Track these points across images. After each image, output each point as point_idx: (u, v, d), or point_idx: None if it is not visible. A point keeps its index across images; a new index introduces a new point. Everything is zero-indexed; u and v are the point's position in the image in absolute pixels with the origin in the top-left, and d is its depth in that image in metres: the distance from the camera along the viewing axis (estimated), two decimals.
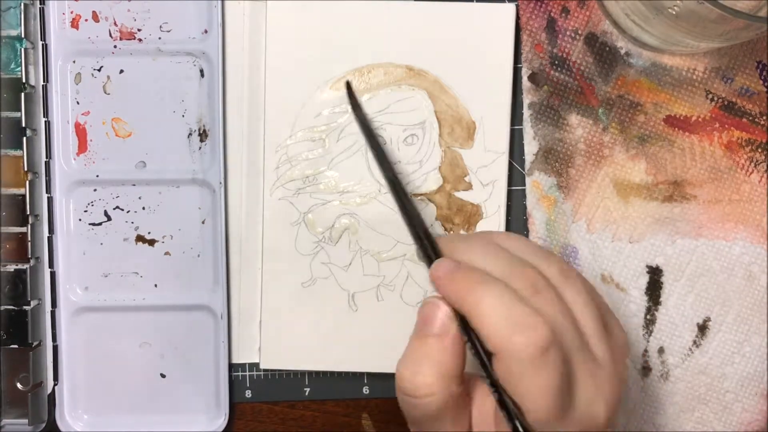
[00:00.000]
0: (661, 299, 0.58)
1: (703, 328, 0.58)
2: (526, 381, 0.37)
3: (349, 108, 0.56)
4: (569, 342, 0.39)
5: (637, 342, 0.58)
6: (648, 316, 0.58)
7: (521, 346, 0.37)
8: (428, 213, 0.57)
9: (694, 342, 0.58)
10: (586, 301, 0.41)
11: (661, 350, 0.58)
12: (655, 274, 0.58)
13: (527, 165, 0.58)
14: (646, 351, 0.58)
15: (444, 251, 0.43)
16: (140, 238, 0.57)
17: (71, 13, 0.56)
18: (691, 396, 0.58)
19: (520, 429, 0.38)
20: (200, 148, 0.56)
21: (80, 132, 0.56)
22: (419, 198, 0.57)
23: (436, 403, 0.40)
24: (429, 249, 0.44)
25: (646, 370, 0.58)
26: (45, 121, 0.56)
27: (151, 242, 0.57)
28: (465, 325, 0.40)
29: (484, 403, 0.42)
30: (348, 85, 0.56)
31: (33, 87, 0.56)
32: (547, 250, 0.44)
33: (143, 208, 0.57)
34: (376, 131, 0.55)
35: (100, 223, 0.57)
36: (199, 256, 0.57)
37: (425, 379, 0.40)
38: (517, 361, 0.37)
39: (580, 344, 0.40)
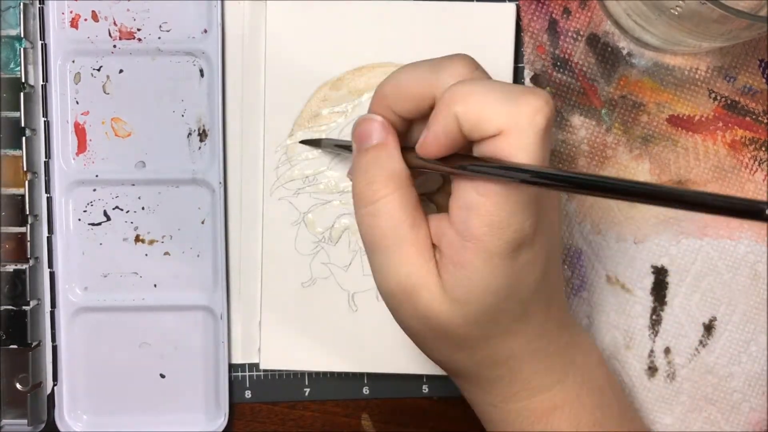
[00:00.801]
0: (666, 299, 0.58)
1: (709, 328, 0.58)
2: (532, 155, 0.38)
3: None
4: None
5: (643, 342, 0.58)
6: (654, 317, 0.58)
7: (534, 118, 0.38)
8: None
9: (701, 342, 0.58)
10: None
11: (667, 350, 0.58)
12: (660, 275, 0.58)
13: None
14: (652, 351, 0.58)
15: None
16: (140, 238, 0.57)
17: (71, 12, 0.56)
18: (698, 396, 0.58)
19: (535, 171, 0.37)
20: (200, 148, 0.56)
21: (80, 132, 0.56)
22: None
23: (394, 203, 0.42)
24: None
25: (652, 370, 0.58)
26: (44, 121, 0.56)
27: (151, 242, 0.57)
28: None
29: (439, 222, 0.43)
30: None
31: (32, 87, 0.56)
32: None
33: (143, 208, 0.57)
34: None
35: (99, 223, 0.57)
36: (198, 256, 0.57)
37: (379, 182, 0.42)
38: (529, 134, 0.38)
39: None
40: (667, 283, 0.58)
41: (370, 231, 0.43)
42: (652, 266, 0.58)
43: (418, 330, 0.45)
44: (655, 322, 0.58)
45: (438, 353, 0.46)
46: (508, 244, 0.40)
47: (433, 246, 0.43)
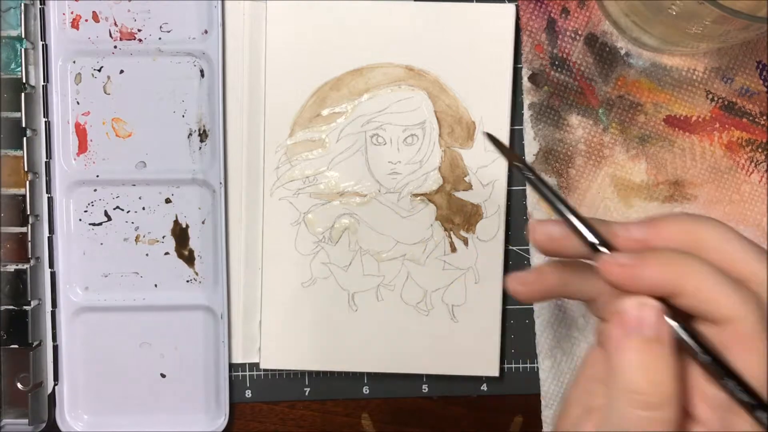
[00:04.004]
0: None
1: None
2: (754, 345, 0.34)
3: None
4: None
5: None
6: None
7: (754, 308, 0.34)
8: (428, 213, 0.57)
9: None
10: None
11: None
12: None
13: None
14: None
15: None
16: (140, 239, 0.57)
17: (71, 13, 0.56)
18: None
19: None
20: (200, 148, 0.57)
21: (80, 132, 0.56)
22: (419, 198, 0.57)
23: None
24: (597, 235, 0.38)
25: None
26: (45, 122, 0.56)
27: (152, 242, 0.57)
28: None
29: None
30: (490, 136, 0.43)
31: (33, 87, 0.56)
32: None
33: (143, 209, 0.57)
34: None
35: (100, 223, 0.57)
36: (199, 256, 0.57)
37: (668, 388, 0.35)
38: (749, 325, 0.34)
39: None
40: None
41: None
42: None
43: None
44: None
45: None
46: None
47: None
